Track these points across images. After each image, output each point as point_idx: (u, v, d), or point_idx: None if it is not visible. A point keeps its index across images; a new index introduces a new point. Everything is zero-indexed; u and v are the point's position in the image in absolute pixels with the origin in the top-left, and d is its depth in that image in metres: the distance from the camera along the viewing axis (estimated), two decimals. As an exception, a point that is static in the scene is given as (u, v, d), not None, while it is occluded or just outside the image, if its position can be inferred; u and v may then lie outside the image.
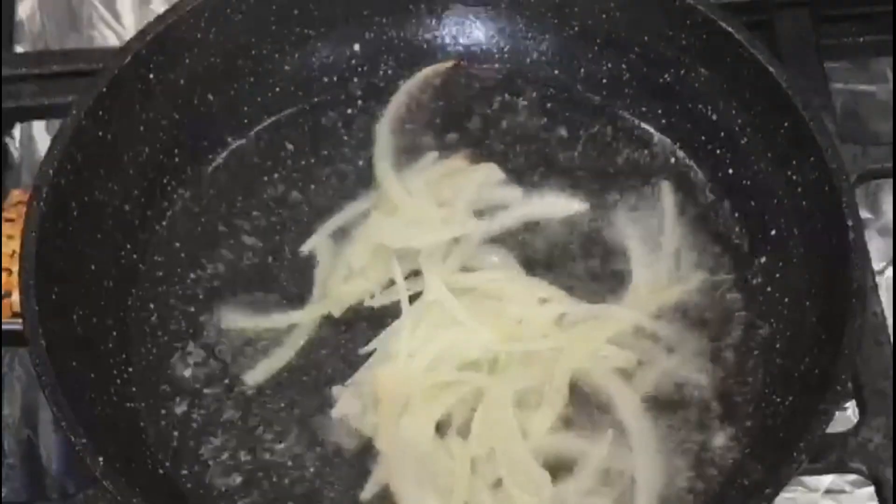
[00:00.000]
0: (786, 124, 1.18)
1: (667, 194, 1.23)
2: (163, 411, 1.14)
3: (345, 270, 1.19)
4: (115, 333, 1.16)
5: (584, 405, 1.13)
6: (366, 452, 1.12)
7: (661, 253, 1.20)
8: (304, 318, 1.18)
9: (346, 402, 1.13)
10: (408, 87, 1.29)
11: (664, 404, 1.14)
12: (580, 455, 1.11)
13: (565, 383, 1.13)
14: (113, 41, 1.51)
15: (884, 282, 1.34)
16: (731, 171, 1.24)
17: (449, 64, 1.30)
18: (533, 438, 1.11)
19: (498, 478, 1.10)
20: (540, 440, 1.11)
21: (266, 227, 1.23)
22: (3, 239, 1.23)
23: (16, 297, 1.18)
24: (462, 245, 1.19)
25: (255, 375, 1.16)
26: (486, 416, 1.11)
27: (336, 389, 1.14)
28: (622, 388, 1.13)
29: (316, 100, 1.30)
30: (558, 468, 1.10)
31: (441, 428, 1.12)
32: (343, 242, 1.21)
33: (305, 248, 1.21)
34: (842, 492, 1.26)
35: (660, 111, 1.28)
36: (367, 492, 1.10)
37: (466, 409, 1.12)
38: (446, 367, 1.13)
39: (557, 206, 1.23)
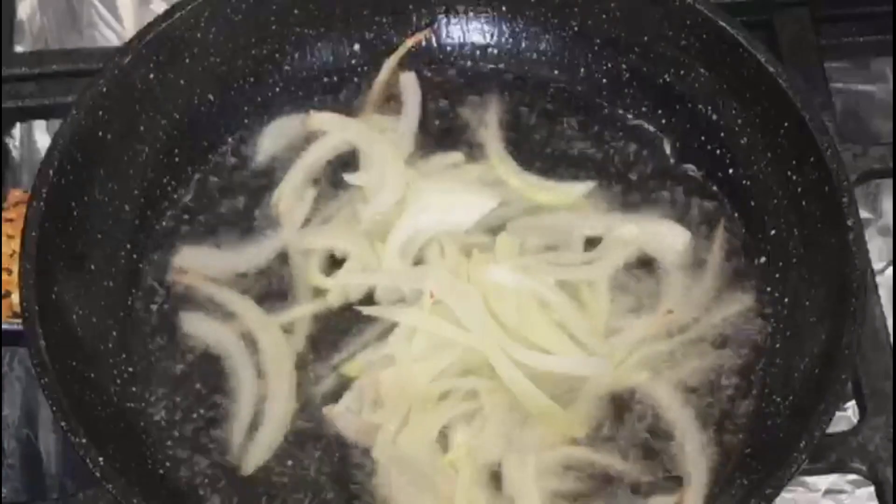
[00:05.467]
0: (786, 124, 1.18)
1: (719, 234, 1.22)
2: (163, 411, 1.15)
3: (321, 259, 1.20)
4: (115, 333, 1.16)
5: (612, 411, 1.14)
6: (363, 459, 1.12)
7: (699, 282, 1.19)
8: (296, 316, 1.18)
9: (346, 406, 1.14)
10: (389, 65, 1.30)
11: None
12: (607, 468, 1.11)
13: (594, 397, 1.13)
14: (113, 41, 1.51)
15: (884, 282, 1.34)
16: (731, 171, 1.24)
17: (422, 33, 1.30)
18: (545, 449, 1.11)
19: (503, 490, 1.09)
20: (555, 451, 1.11)
21: (266, 226, 1.23)
22: (3, 239, 1.23)
23: (16, 297, 1.18)
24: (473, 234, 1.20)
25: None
26: (490, 425, 1.11)
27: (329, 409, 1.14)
28: (657, 383, 1.13)
29: (316, 100, 1.30)
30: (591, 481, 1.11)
31: (444, 438, 1.11)
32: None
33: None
34: (842, 492, 1.26)
35: (660, 111, 1.28)
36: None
37: (470, 419, 1.12)
38: (450, 373, 1.13)
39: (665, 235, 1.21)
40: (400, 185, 1.21)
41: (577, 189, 1.24)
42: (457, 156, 1.26)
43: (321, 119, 1.28)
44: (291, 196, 1.24)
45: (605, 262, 1.19)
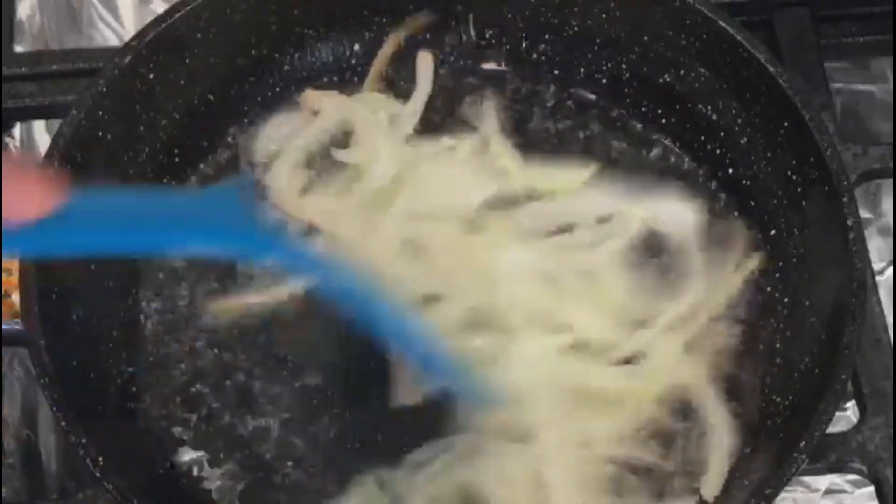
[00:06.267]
0: (786, 124, 1.18)
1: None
2: (163, 411, 1.15)
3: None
4: (115, 333, 1.16)
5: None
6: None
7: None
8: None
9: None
10: (394, 40, 1.29)
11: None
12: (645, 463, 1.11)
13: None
14: (113, 41, 1.50)
15: (884, 282, 1.34)
16: (731, 171, 1.24)
17: (430, 18, 1.30)
18: (598, 446, 1.11)
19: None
20: (596, 445, 1.11)
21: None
22: (3, 239, 1.23)
23: (16, 297, 1.18)
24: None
25: None
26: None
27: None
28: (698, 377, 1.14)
29: (316, 99, 1.30)
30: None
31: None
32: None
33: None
34: (842, 492, 1.26)
35: (660, 111, 1.28)
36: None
37: None
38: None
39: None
40: (393, 159, 1.20)
41: (579, 175, 1.23)
42: (456, 140, 1.25)
43: (317, 97, 1.27)
44: (286, 177, 1.23)
45: (612, 242, 1.18)
